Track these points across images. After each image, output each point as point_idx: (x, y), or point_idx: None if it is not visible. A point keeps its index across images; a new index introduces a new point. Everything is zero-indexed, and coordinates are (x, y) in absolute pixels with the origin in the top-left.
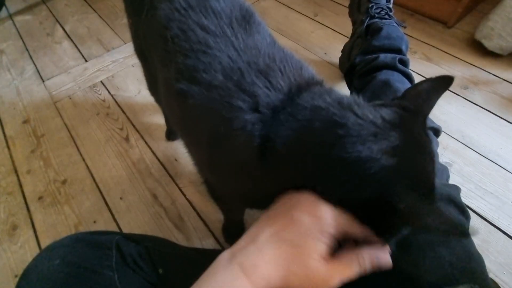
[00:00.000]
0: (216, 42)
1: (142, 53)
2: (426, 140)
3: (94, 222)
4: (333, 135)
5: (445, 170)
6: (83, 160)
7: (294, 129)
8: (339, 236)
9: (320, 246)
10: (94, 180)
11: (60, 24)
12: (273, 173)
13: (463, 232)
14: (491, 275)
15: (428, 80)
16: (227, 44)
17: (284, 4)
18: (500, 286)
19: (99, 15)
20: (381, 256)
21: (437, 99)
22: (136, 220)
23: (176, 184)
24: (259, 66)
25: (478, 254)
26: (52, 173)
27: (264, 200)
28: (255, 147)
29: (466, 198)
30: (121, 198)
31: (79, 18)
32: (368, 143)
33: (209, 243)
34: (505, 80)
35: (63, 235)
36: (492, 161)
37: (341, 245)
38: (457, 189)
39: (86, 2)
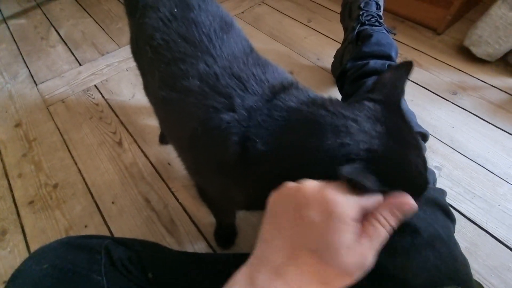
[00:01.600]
0: (194, 50)
1: (136, 54)
2: (405, 126)
3: (85, 226)
4: (308, 130)
5: (431, 174)
6: (75, 164)
7: (272, 128)
8: (360, 216)
9: (345, 237)
10: (86, 184)
11: (55, 28)
12: (254, 172)
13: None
14: (480, 278)
15: (389, 69)
16: (204, 52)
17: (277, 10)
18: None
19: (94, 20)
20: (399, 203)
21: (404, 85)
22: (128, 225)
23: (169, 188)
24: (233, 70)
25: (463, 256)
26: (44, 177)
27: (251, 201)
28: (232, 145)
29: (455, 201)
30: (113, 203)
31: (74, 22)
32: (341, 135)
33: (201, 247)
34: (493, 86)
35: (54, 240)
36: (480, 165)
37: None
38: (442, 192)
39: (82, 6)
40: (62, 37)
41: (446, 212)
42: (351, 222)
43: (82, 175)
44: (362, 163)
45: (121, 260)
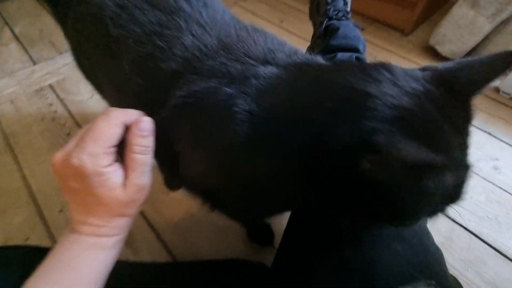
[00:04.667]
0: (173, 20)
1: (83, 58)
2: (457, 112)
3: (27, 239)
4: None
5: None
6: (20, 169)
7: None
8: (111, 155)
9: (113, 182)
10: (31, 191)
11: (9, 26)
12: (262, 141)
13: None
14: (455, 273)
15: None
16: (188, 21)
17: (250, 11)
18: (465, 283)
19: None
20: (139, 126)
21: (491, 79)
22: None
23: None
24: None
25: (436, 247)
26: None
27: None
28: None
29: None
30: (61, 211)
31: (31, 20)
32: (374, 84)
33: (161, 257)
34: None
35: None
36: None
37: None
38: None
39: (40, 4)
40: (17, 35)
41: None
42: (105, 170)
43: (27, 181)
44: (394, 124)
45: None
